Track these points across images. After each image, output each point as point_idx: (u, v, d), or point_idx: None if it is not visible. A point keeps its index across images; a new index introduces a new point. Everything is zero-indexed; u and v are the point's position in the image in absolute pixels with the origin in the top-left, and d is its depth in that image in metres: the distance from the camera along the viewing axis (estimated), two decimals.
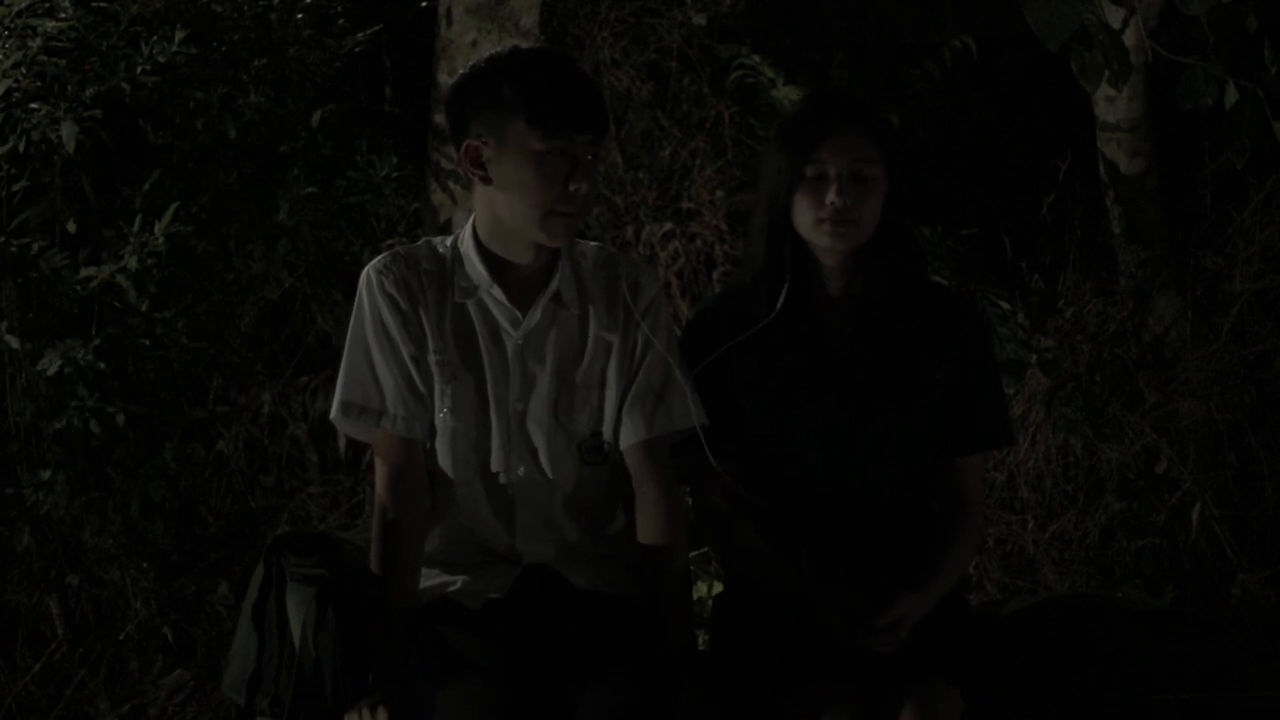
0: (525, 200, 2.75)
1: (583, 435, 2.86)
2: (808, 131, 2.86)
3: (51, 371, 3.97)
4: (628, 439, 2.88)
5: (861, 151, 2.83)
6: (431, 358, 2.82)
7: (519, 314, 2.84)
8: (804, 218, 2.87)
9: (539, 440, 2.84)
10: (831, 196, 2.83)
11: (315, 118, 4.49)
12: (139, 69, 4.16)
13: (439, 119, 4.54)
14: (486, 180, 2.79)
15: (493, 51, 2.84)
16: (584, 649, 2.69)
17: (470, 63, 2.86)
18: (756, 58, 5.60)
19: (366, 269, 2.86)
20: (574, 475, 2.85)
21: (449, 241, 2.90)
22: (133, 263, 4.09)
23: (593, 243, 2.96)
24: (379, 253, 4.54)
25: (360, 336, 2.84)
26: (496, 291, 2.83)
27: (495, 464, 2.83)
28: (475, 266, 2.84)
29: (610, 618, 2.77)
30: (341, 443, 4.59)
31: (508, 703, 2.61)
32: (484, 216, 2.85)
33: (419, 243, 2.91)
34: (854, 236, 2.86)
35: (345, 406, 2.83)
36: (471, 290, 2.84)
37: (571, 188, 2.74)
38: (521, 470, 2.83)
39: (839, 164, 2.84)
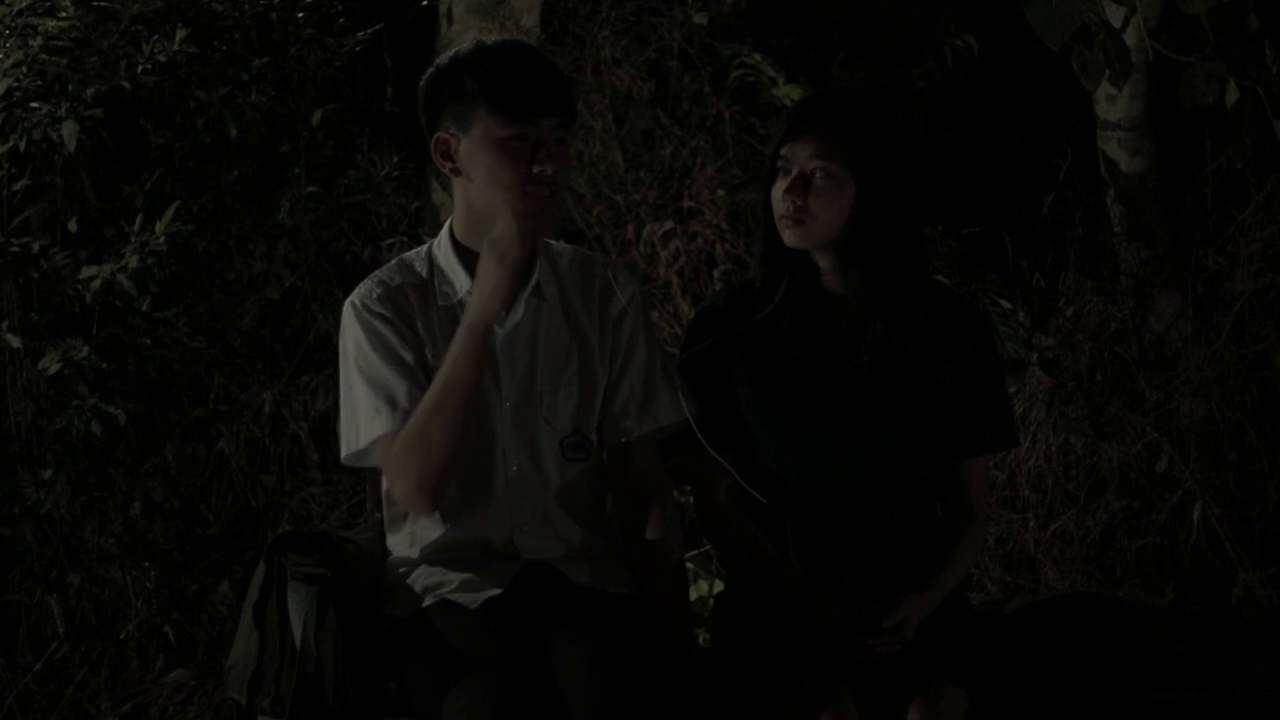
0: (493, 189, 2.77)
1: (565, 432, 2.86)
2: (781, 127, 2.91)
3: (52, 371, 3.97)
4: (613, 439, 2.89)
5: (818, 150, 2.84)
6: (431, 361, 2.82)
7: (502, 311, 2.84)
8: (774, 212, 2.89)
9: (528, 437, 2.85)
10: (780, 193, 2.86)
11: (316, 117, 4.49)
12: (140, 68, 4.15)
13: None
14: (456, 172, 2.81)
15: (459, 48, 2.86)
16: (582, 644, 2.69)
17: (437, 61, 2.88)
18: (757, 56, 5.60)
19: (348, 301, 2.85)
20: (558, 472, 2.86)
21: (424, 252, 2.91)
22: (133, 262, 4.09)
23: (568, 244, 2.98)
24: (380, 251, 4.58)
25: (360, 363, 2.82)
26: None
27: (490, 461, 2.83)
28: (454, 271, 2.86)
29: (608, 613, 2.77)
30: None
31: (515, 700, 2.61)
32: (460, 211, 2.87)
33: (391, 263, 2.92)
34: (808, 234, 2.87)
35: (352, 437, 2.82)
36: (452, 295, 2.85)
37: (536, 169, 2.75)
38: (515, 467, 2.84)
39: (794, 161, 2.86)
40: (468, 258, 2.85)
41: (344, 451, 2.85)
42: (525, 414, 2.84)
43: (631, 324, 2.90)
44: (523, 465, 2.84)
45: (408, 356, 2.81)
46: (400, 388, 2.79)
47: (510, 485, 2.84)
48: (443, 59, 2.86)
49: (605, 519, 2.93)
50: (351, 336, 2.83)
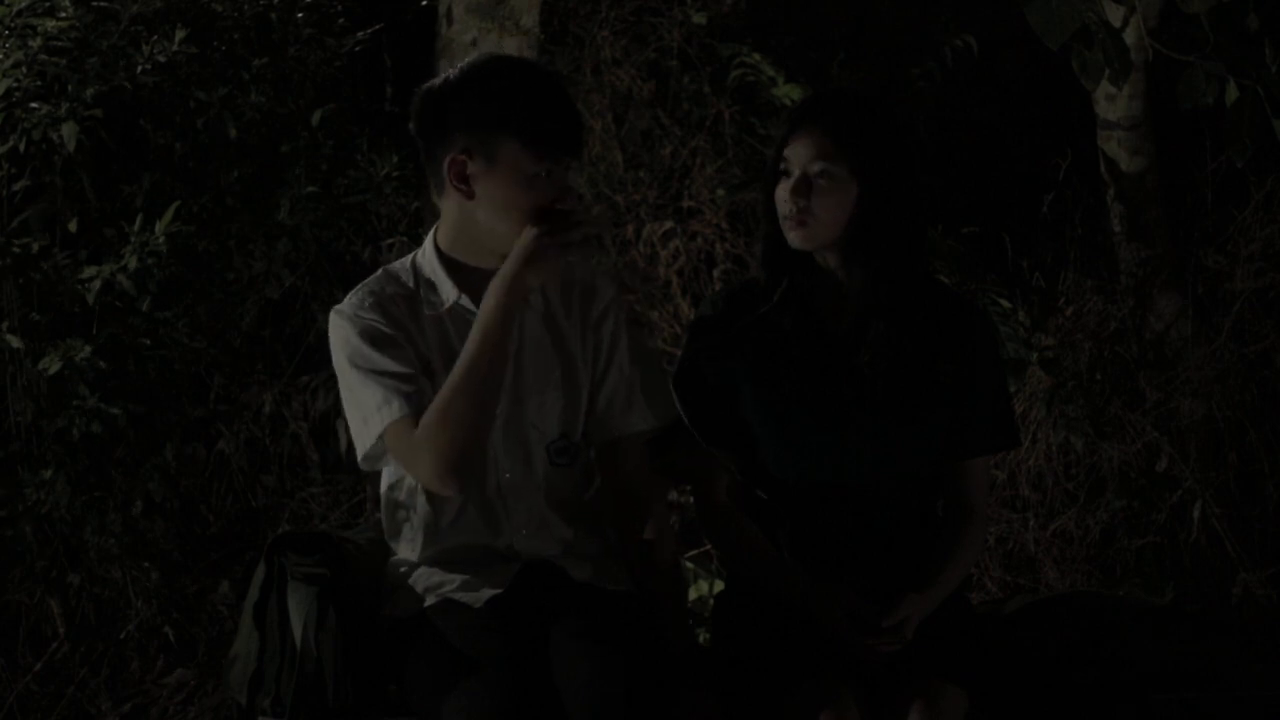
0: (510, 219, 2.78)
1: (552, 436, 2.87)
2: (783, 128, 2.91)
3: (52, 371, 3.97)
4: (599, 438, 2.91)
5: (820, 151, 2.84)
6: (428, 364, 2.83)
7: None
8: (778, 213, 2.89)
9: (519, 443, 2.85)
10: (784, 195, 2.86)
11: (316, 117, 4.49)
12: (139, 68, 4.16)
13: None
14: (469, 195, 2.79)
15: (468, 64, 2.84)
16: (582, 643, 2.69)
17: (445, 74, 2.86)
18: (756, 56, 5.60)
19: (334, 310, 2.85)
20: (547, 476, 2.86)
21: (407, 264, 2.91)
22: (133, 262, 4.09)
23: None
24: (380, 251, 4.58)
25: (359, 361, 2.80)
26: (465, 300, 2.84)
27: (483, 468, 2.83)
28: (441, 282, 2.86)
29: (608, 611, 2.77)
30: (342, 442, 4.59)
31: (515, 701, 2.61)
32: (453, 225, 2.85)
33: (376, 274, 2.92)
34: (811, 235, 2.87)
35: (364, 435, 2.81)
36: (440, 305, 2.86)
37: (559, 206, 2.78)
38: (507, 474, 2.84)
39: (796, 163, 2.87)
40: (454, 267, 2.86)
41: (359, 454, 2.84)
42: (514, 422, 2.85)
43: (613, 325, 2.92)
44: (514, 472, 2.85)
45: (407, 349, 2.81)
46: (405, 375, 2.78)
47: (504, 491, 2.84)
48: (453, 74, 2.83)
49: (597, 519, 2.93)
50: (345, 339, 2.82)
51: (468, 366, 2.73)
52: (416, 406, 2.76)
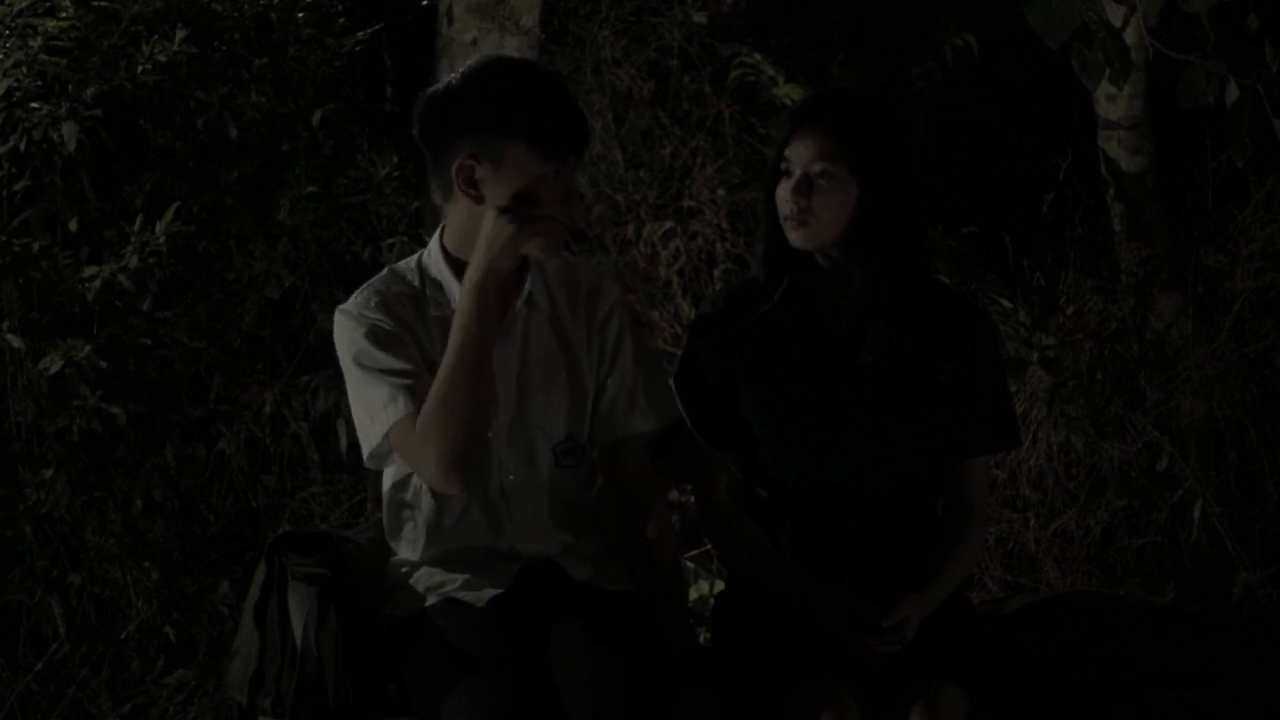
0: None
1: (558, 438, 2.87)
2: (784, 128, 2.91)
3: (53, 371, 3.97)
4: (603, 438, 2.91)
5: (821, 151, 2.84)
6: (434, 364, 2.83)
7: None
8: (779, 213, 2.89)
9: (524, 444, 2.85)
10: (785, 194, 2.86)
11: (316, 117, 4.49)
12: (140, 68, 4.16)
13: None
14: (479, 200, 2.79)
15: (469, 68, 2.84)
16: (582, 643, 2.69)
17: (447, 79, 2.86)
18: (757, 56, 5.60)
19: (340, 309, 2.85)
20: (552, 478, 2.87)
21: (413, 263, 2.91)
22: (134, 262, 4.09)
23: None
24: (380, 251, 4.58)
25: (364, 359, 2.81)
26: None
27: (487, 470, 2.83)
28: (448, 283, 2.86)
29: (608, 611, 2.77)
30: (342, 442, 4.59)
31: (515, 700, 2.61)
32: (460, 228, 2.85)
33: (382, 273, 2.92)
34: (813, 235, 2.87)
35: (370, 434, 2.81)
36: (446, 305, 2.86)
37: (565, 208, 2.78)
38: (511, 476, 2.84)
39: (797, 163, 2.87)
40: (461, 268, 2.85)
41: (365, 452, 2.84)
42: (519, 423, 2.85)
43: (617, 326, 2.92)
44: (519, 473, 2.85)
45: (412, 349, 2.81)
46: (410, 373, 2.79)
47: (506, 493, 2.84)
48: (455, 78, 2.84)
49: (600, 519, 2.93)
50: (351, 338, 2.82)
51: (453, 364, 2.73)
52: (421, 404, 2.76)
